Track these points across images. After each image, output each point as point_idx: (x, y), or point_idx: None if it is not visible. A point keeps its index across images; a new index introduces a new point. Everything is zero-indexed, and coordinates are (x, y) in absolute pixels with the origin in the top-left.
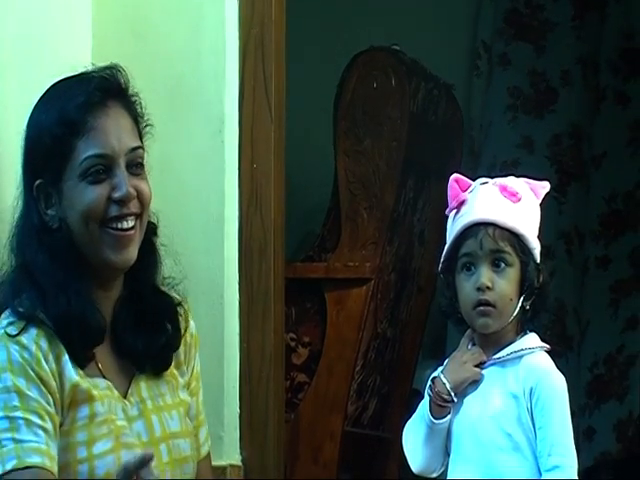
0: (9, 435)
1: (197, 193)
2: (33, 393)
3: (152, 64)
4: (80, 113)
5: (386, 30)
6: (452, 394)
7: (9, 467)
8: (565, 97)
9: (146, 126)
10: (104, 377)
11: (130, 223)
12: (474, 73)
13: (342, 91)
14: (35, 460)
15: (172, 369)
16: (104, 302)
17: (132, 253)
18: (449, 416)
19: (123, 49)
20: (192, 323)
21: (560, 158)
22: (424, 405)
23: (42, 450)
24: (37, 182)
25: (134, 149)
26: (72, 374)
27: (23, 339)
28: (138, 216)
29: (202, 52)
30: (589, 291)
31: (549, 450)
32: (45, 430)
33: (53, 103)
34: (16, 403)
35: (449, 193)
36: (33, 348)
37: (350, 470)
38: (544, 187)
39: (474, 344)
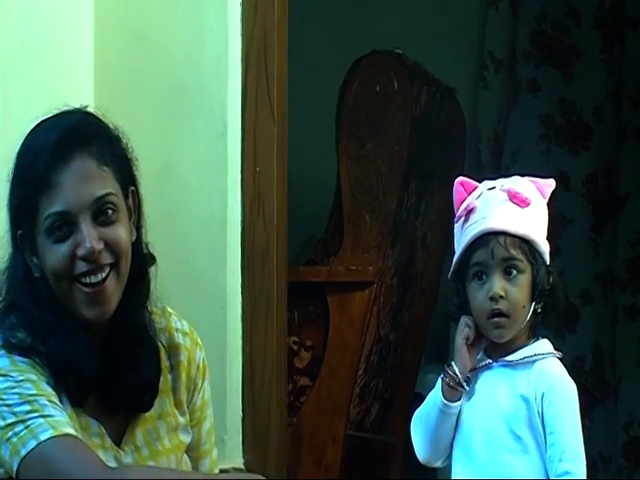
0: (35, 414)
1: (200, 197)
2: (45, 386)
3: (154, 68)
4: (44, 169)
5: (389, 34)
6: (460, 377)
7: (46, 436)
8: (598, 134)
9: (129, 160)
10: (97, 419)
11: (101, 276)
12: (480, 84)
13: (344, 95)
14: (71, 431)
15: (172, 408)
16: (93, 343)
17: (107, 307)
18: (460, 402)
19: (125, 53)
20: (200, 354)
21: (596, 197)
22: (436, 391)
23: (73, 427)
24: (19, 232)
25: (101, 197)
26: (66, 405)
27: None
28: (113, 265)
29: (205, 56)
30: (620, 343)
31: (560, 455)
32: (65, 413)
33: (26, 155)
34: (33, 392)
35: (455, 197)
36: (32, 362)
37: (352, 474)
38: (550, 185)
39: (485, 347)
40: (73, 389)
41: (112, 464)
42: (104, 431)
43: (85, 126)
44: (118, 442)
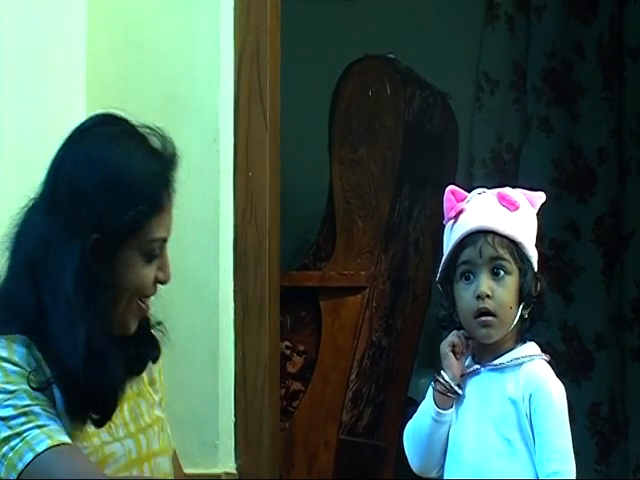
0: (30, 425)
1: (192, 202)
2: (39, 394)
3: (147, 73)
4: (158, 191)
5: (382, 38)
6: (451, 382)
7: (43, 447)
8: (603, 176)
9: None
10: None
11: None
12: (476, 106)
13: (337, 100)
14: (66, 439)
15: (147, 387)
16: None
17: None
18: (452, 409)
19: (118, 58)
20: None
21: (604, 239)
22: (427, 401)
23: (67, 435)
24: (94, 236)
25: None
26: (59, 402)
27: (15, 357)
28: None
29: (197, 61)
30: (628, 385)
31: (548, 456)
32: (59, 421)
33: (126, 161)
34: (27, 402)
35: (445, 205)
36: (25, 365)
37: (345, 479)
38: (540, 197)
39: (473, 354)
40: (84, 407)
41: (109, 443)
42: None
43: (174, 149)
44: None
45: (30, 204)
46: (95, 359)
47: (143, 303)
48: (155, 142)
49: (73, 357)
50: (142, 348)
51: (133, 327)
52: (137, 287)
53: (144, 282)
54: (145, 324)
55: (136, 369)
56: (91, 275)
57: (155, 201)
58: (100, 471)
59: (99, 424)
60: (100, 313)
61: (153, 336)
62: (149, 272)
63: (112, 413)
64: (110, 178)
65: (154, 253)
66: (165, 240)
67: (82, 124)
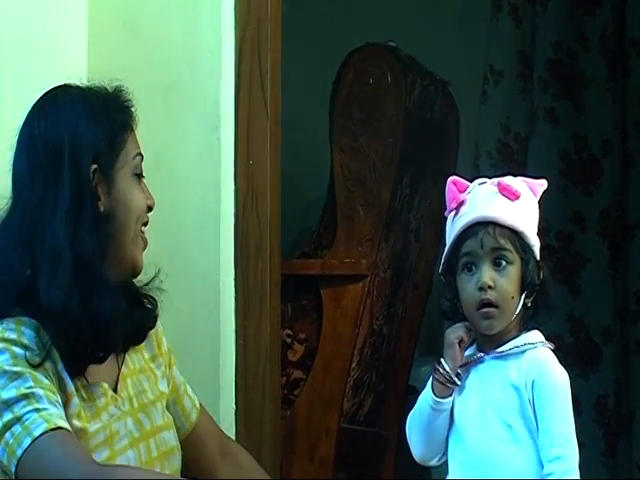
0: (30, 408)
1: (193, 190)
2: (43, 378)
3: (148, 61)
4: (124, 115)
5: (385, 29)
6: (451, 373)
7: (40, 432)
8: (608, 168)
9: None
10: (97, 380)
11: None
12: (482, 99)
13: (338, 88)
14: (64, 424)
15: (149, 363)
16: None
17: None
18: (451, 398)
19: (119, 46)
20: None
21: (610, 231)
22: (427, 390)
23: (65, 419)
24: (93, 167)
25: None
26: (69, 382)
27: (24, 340)
28: None
29: (198, 49)
30: (632, 378)
31: (551, 441)
32: (61, 406)
33: (93, 110)
34: (30, 384)
35: (447, 195)
36: (34, 347)
37: (346, 467)
38: (542, 185)
39: (474, 341)
40: (93, 351)
41: (116, 419)
42: (105, 386)
43: (111, 86)
44: (114, 389)
45: (9, 201)
46: (86, 284)
47: (143, 233)
48: (101, 89)
49: (59, 287)
50: (143, 313)
51: (141, 263)
52: (138, 209)
53: (141, 203)
54: (134, 289)
55: (137, 338)
56: (94, 210)
57: (125, 122)
58: (91, 457)
59: (102, 359)
60: (102, 251)
61: (146, 301)
62: (142, 194)
63: (116, 339)
64: (88, 119)
65: (139, 171)
66: (142, 156)
67: (44, 96)
